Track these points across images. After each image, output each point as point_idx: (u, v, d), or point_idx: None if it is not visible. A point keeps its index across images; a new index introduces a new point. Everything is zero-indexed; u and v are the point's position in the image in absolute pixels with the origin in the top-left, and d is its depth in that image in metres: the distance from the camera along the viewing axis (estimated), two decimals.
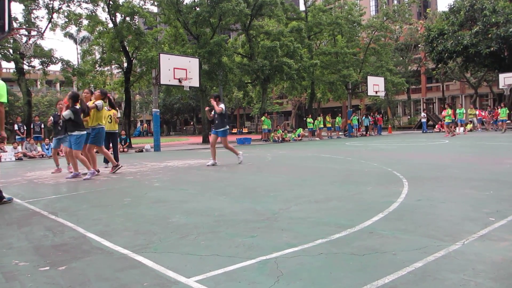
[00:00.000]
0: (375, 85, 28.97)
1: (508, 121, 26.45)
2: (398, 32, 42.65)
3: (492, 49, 29.61)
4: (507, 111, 25.70)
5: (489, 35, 29.87)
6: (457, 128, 24.75)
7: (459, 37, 31.36)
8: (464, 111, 24.59)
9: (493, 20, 29.72)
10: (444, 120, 23.06)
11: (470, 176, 6.35)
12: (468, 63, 34.42)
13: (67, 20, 22.33)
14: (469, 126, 28.60)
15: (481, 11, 30.75)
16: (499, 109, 25.70)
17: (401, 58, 45.86)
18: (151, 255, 2.92)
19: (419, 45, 42.78)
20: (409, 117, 50.87)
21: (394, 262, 2.61)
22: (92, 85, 25.63)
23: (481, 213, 3.88)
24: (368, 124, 30.43)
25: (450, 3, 34.28)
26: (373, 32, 36.47)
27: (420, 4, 48.52)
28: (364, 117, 31.05)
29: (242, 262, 2.69)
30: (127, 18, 21.83)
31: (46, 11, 21.82)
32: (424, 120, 31.64)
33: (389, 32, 38.42)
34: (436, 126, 32.45)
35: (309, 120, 26.69)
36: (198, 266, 2.66)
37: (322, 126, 26.99)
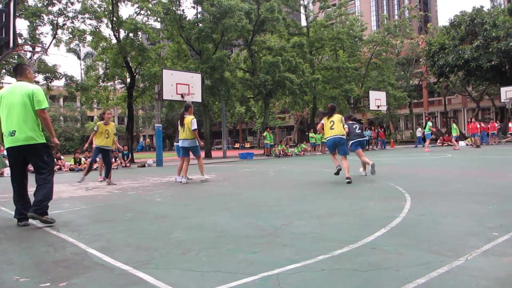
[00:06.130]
0: (377, 100, 29.02)
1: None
2: (399, 46, 42.89)
3: (493, 63, 29.78)
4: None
5: (490, 49, 30.07)
6: (459, 143, 24.67)
7: (460, 51, 31.55)
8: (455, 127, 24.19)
9: (493, 34, 29.95)
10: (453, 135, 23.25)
11: (473, 190, 6.32)
12: (469, 77, 34.55)
13: (71, 36, 22.57)
14: (469, 140, 28.53)
15: (482, 26, 31.00)
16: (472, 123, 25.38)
17: (403, 73, 46.03)
18: (152, 271, 2.90)
19: (421, 60, 43.02)
20: (411, 131, 50.89)
21: (397, 278, 2.59)
22: (96, 100, 25.82)
23: (484, 228, 3.85)
24: (369, 138, 30.38)
25: (451, 18, 34.60)
26: (375, 47, 36.70)
27: (420, 19, 48.90)
28: (365, 132, 31.00)
29: (244, 278, 2.68)
30: (131, 34, 22.05)
31: (51, 27, 22.08)
32: (419, 135, 31.15)
33: (391, 47, 38.64)
34: (438, 140, 32.39)
35: (311, 134, 26.71)
36: (200, 283, 2.64)
37: (325, 140, 26.90)
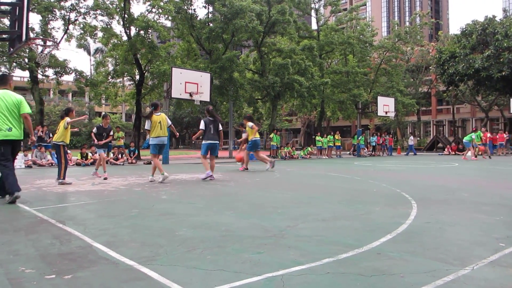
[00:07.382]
0: (385, 106, 28.92)
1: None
2: (409, 53, 42.77)
3: (503, 73, 29.56)
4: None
5: (501, 59, 29.86)
6: (469, 152, 24.46)
7: (471, 61, 31.36)
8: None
9: (505, 44, 29.75)
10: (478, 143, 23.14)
11: (480, 200, 6.28)
12: (479, 86, 34.33)
13: (82, 31, 22.72)
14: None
15: (493, 35, 30.80)
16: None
17: (412, 80, 45.87)
18: (157, 268, 2.91)
19: (430, 67, 42.85)
20: (418, 138, 50.67)
21: (402, 285, 2.57)
22: (104, 96, 25.97)
23: (490, 238, 3.82)
24: (375, 144, 30.25)
25: (462, 26, 34.44)
26: (385, 53, 36.61)
27: (432, 27, 48.71)
28: (371, 137, 30.90)
29: (248, 278, 2.67)
30: (141, 32, 22.16)
31: (63, 22, 22.24)
32: (411, 143, 31.63)
33: (401, 53, 38.53)
34: (446, 149, 32.24)
35: (318, 138, 26.63)
36: (204, 281, 2.64)
37: (332, 144, 26.76)
